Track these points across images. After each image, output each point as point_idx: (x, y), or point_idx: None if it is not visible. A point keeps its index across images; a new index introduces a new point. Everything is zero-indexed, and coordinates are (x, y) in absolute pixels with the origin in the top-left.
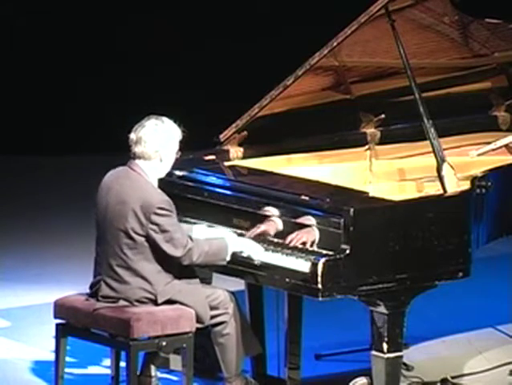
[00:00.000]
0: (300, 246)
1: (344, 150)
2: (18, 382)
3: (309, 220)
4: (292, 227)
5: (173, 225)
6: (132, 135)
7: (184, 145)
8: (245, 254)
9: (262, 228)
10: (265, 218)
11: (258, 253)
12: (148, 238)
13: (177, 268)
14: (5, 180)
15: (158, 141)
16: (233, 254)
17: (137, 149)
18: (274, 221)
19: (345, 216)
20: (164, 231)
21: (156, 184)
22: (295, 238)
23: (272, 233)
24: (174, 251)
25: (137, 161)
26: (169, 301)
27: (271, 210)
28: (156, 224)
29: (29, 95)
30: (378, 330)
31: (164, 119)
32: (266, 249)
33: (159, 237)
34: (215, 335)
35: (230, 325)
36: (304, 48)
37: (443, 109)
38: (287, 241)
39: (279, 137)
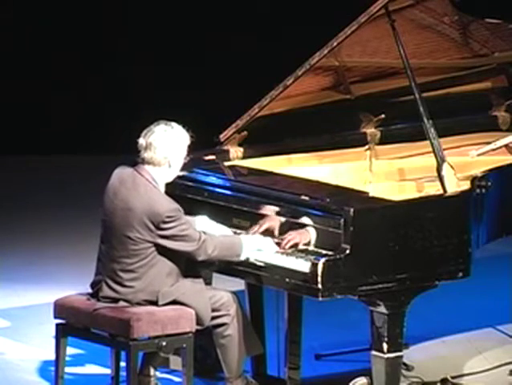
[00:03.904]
0: (292, 248)
1: (344, 150)
2: (18, 382)
3: (271, 210)
4: (289, 227)
5: (183, 226)
6: (142, 141)
7: (190, 148)
8: (260, 252)
9: (264, 225)
10: (264, 217)
11: (273, 250)
12: (157, 244)
13: (182, 271)
14: (5, 180)
15: (167, 147)
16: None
17: (146, 155)
18: (276, 219)
19: (345, 216)
20: (175, 235)
21: (163, 188)
22: (287, 239)
23: (276, 230)
24: (188, 246)
25: (146, 166)
26: (171, 303)
27: (269, 208)
28: (167, 231)
29: (29, 94)
30: (378, 330)
31: (174, 124)
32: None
33: (169, 241)
34: (217, 336)
35: (232, 326)
36: (304, 48)
37: (443, 109)
38: (280, 244)
39: (279, 137)
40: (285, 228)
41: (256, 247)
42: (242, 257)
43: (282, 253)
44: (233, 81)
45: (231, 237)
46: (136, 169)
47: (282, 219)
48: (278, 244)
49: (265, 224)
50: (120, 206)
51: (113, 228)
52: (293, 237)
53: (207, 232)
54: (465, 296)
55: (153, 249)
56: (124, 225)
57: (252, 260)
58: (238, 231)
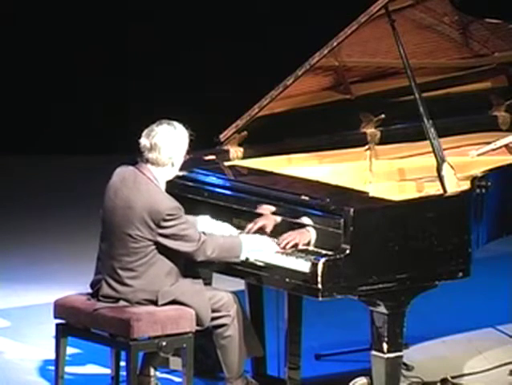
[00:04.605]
0: (292, 248)
1: (344, 150)
2: (18, 382)
3: (268, 209)
4: (289, 227)
5: (183, 226)
6: (145, 141)
7: (189, 147)
8: (259, 252)
9: (259, 223)
10: (261, 215)
11: (273, 250)
12: (157, 242)
13: (182, 271)
14: (5, 180)
15: (172, 148)
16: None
17: (151, 155)
18: (271, 217)
19: (345, 216)
20: (175, 234)
21: (164, 187)
22: (287, 239)
23: (270, 227)
24: (187, 247)
25: (148, 166)
26: (171, 303)
27: (265, 207)
28: (167, 229)
29: (29, 94)
30: (378, 330)
31: (176, 124)
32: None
33: (170, 240)
34: (217, 337)
35: (232, 327)
36: (304, 48)
37: (443, 109)
38: (281, 244)
39: (279, 137)
40: (285, 229)
41: (256, 248)
42: (242, 258)
43: (282, 253)
44: (233, 81)
45: (231, 239)
46: (138, 168)
47: (278, 218)
48: (278, 244)
49: (259, 223)
50: (121, 205)
51: (113, 227)
52: (293, 237)
53: (207, 232)
54: (465, 296)
55: (153, 247)
56: (125, 223)
57: (252, 260)
58: (238, 231)
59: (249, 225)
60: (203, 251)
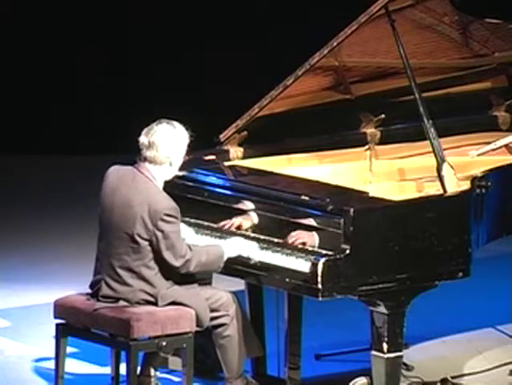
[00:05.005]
0: (299, 246)
1: (344, 150)
2: (18, 382)
3: (246, 205)
4: (294, 227)
5: (176, 233)
6: (144, 139)
7: (189, 148)
8: (241, 256)
9: (237, 222)
10: (241, 212)
11: (254, 253)
12: (151, 243)
13: (178, 273)
14: (5, 180)
15: (170, 147)
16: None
17: (149, 153)
18: (249, 215)
19: (345, 216)
20: (167, 238)
21: (162, 186)
22: (296, 236)
23: (247, 225)
24: (173, 261)
25: (147, 164)
26: (171, 303)
27: (246, 204)
28: (161, 231)
29: (29, 94)
30: (378, 330)
31: (175, 123)
32: (266, 249)
33: (161, 244)
34: (216, 337)
35: (232, 327)
36: (304, 48)
37: (443, 109)
38: (289, 239)
39: (279, 137)
40: (286, 229)
41: (237, 254)
42: (220, 269)
43: (282, 253)
44: (233, 81)
45: (214, 252)
46: (136, 167)
47: (255, 217)
48: (281, 243)
49: (236, 222)
50: (119, 203)
51: (111, 226)
52: (302, 236)
53: (192, 244)
54: (465, 296)
55: (150, 248)
56: (123, 222)
57: (252, 261)
58: (238, 231)
59: (226, 222)
60: (186, 268)
